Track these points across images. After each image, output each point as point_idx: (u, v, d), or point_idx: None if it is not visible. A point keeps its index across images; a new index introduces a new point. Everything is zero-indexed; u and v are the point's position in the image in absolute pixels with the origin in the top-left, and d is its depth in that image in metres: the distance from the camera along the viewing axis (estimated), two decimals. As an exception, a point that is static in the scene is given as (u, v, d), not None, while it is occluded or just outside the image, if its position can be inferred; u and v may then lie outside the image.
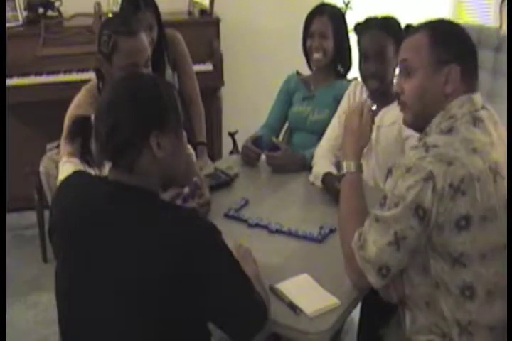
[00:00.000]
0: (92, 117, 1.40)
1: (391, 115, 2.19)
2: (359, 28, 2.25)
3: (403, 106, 1.61)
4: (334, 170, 2.24)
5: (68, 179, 1.52)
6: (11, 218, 3.26)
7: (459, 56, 1.53)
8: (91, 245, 1.34)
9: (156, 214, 1.32)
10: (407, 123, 1.65)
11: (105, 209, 1.35)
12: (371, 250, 1.48)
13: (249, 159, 2.48)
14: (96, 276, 1.33)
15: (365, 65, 2.20)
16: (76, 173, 1.53)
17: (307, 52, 2.66)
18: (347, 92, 2.43)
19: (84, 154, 1.45)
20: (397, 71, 1.70)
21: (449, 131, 1.50)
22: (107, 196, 1.37)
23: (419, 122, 1.60)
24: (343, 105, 2.42)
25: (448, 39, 1.56)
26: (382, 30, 2.17)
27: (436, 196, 1.41)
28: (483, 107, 1.55)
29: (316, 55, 2.60)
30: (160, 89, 1.38)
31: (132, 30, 2.03)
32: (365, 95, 2.33)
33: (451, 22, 1.64)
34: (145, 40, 2.07)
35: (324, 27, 2.58)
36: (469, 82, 1.55)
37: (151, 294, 1.27)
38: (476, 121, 1.51)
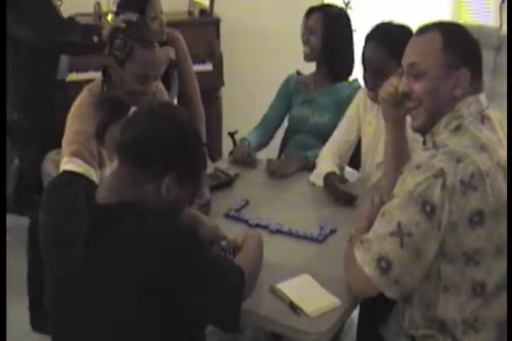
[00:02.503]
0: (132, 110, 1.41)
1: None
2: None
3: (416, 105, 1.57)
4: (337, 171, 2.25)
5: (58, 181, 1.52)
6: (11, 218, 3.25)
7: (469, 60, 1.53)
8: (72, 260, 1.33)
9: (136, 228, 1.29)
10: (417, 126, 1.60)
11: (89, 221, 1.32)
12: (372, 240, 1.49)
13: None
14: (79, 287, 1.33)
15: None
16: (65, 175, 1.53)
17: None
18: (356, 101, 2.40)
19: (99, 130, 1.45)
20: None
21: (458, 128, 1.51)
22: (95, 209, 1.34)
23: (428, 123, 1.57)
24: (350, 112, 2.40)
25: (459, 42, 1.54)
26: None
27: (446, 193, 1.41)
28: (488, 107, 1.56)
29: (304, 48, 2.65)
30: (199, 144, 1.41)
31: (150, 40, 2.00)
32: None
33: (459, 24, 1.62)
34: (160, 54, 2.05)
35: (315, 23, 2.61)
36: (476, 84, 1.55)
37: (129, 305, 1.27)
38: (483, 118, 1.52)
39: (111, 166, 2.01)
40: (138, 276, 1.26)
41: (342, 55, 2.65)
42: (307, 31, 2.63)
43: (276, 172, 2.39)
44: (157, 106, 1.48)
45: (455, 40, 1.54)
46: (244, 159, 2.47)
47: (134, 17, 2.06)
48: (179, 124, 1.38)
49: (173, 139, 1.35)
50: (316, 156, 2.39)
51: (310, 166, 2.40)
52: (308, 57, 2.66)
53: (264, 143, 2.75)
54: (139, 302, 1.27)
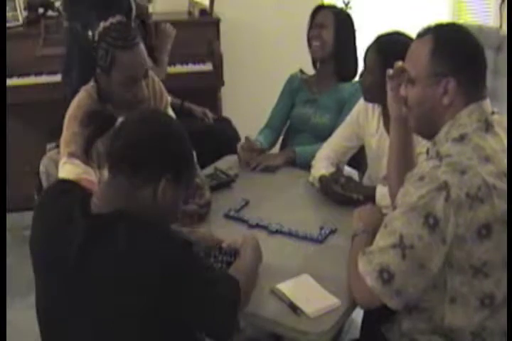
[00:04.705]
0: (119, 120, 1.42)
1: None
2: None
3: (408, 111, 1.60)
4: (332, 169, 2.24)
5: (53, 190, 1.50)
6: (11, 218, 3.25)
7: (456, 69, 1.49)
8: (65, 269, 1.32)
9: (129, 237, 1.28)
10: (411, 128, 1.64)
11: (83, 230, 1.31)
12: (374, 252, 1.48)
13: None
14: (72, 299, 1.32)
15: None
16: (59, 184, 1.53)
17: (310, 46, 2.69)
18: (357, 108, 2.35)
19: (86, 146, 1.45)
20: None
21: (462, 138, 1.48)
22: (90, 219, 1.33)
23: (421, 128, 1.59)
24: (351, 119, 2.36)
25: (450, 50, 1.50)
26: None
27: (451, 206, 1.38)
28: (493, 113, 1.53)
29: (315, 43, 2.64)
30: (188, 144, 1.42)
31: (129, 43, 2.00)
32: (377, 113, 2.26)
33: (460, 27, 1.58)
34: (143, 50, 2.06)
35: (325, 18, 2.63)
36: (471, 92, 1.51)
37: (129, 318, 1.27)
38: (488, 126, 1.49)
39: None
40: (135, 281, 1.25)
41: (350, 52, 2.66)
42: (317, 27, 2.63)
43: (260, 164, 2.41)
44: (143, 113, 1.50)
45: (446, 47, 1.50)
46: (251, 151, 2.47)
47: (113, 20, 2.04)
48: (166, 125, 1.40)
49: (163, 139, 1.36)
50: (313, 156, 2.37)
51: (305, 162, 2.40)
52: (318, 53, 2.65)
53: (273, 143, 2.77)
54: (134, 309, 1.26)
